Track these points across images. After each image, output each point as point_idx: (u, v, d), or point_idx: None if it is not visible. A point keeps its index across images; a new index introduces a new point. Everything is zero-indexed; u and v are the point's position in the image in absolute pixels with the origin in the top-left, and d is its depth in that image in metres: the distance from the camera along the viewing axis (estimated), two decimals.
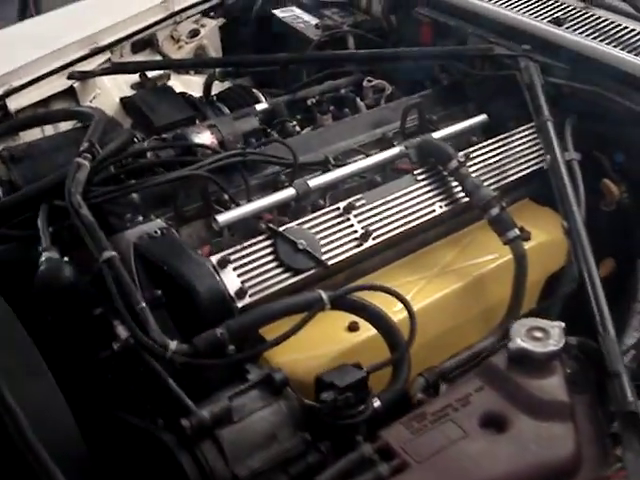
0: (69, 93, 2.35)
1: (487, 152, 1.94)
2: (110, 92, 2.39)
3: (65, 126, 2.22)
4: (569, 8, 2.21)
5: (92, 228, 1.55)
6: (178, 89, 2.43)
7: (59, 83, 2.31)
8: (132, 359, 1.46)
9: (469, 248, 1.88)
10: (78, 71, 2.32)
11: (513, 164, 1.95)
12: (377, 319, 1.57)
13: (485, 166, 1.92)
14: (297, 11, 2.63)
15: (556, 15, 2.17)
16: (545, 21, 2.15)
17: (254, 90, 2.34)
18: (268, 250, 1.63)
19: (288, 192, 1.77)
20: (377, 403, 1.48)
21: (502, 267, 1.83)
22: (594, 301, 1.53)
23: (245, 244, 1.63)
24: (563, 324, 1.48)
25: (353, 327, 1.65)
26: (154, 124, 2.16)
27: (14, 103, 2.24)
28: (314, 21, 2.55)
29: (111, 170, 1.82)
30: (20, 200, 1.74)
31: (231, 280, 1.57)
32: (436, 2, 2.31)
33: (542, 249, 1.88)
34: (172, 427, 1.38)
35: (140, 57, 2.52)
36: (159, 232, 1.60)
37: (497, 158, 1.94)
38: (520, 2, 2.26)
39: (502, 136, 1.99)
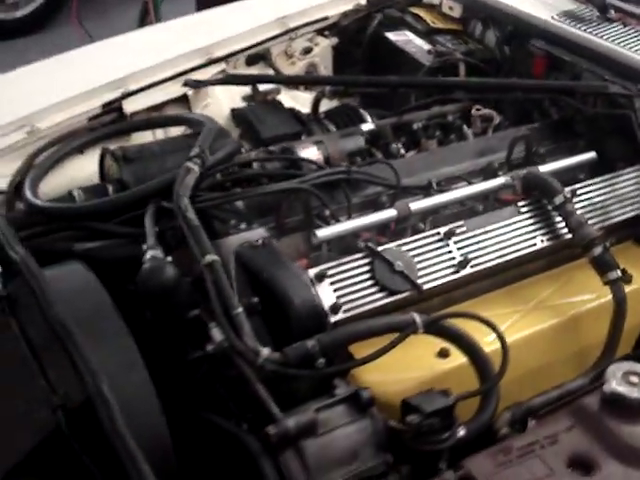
0: (182, 100, 2.41)
1: (593, 190, 1.91)
2: (221, 102, 2.44)
3: (175, 132, 2.29)
4: None
5: (197, 231, 1.59)
6: (286, 104, 2.47)
7: (173, 90, 2.38)
8: (223, 362, 1.49)
9: (567, 286, 1.85)
10: (193, 79, 2.39)
11: (618, 205, 1.91)
12: (470, 348, 1.56)
13: (590, 204, 1.89)
14: (410, 35, 2.64)
15: None
16: None
17: (361, 110, 2.36)
18: (365, 269, 1.64)
19: (389, 213, 1.78)
20: (462, 432, 1.46)
21: (600, 308, 1.79)
22: None
23: (342, 260, 1.64)
24: None
25: (444, 353, 1.63)
26: (261, 136, 2.20)
27: (130, 106, 2.32)
28: (426, 47, 2.56)
29: (217, 177, 1.88)
30: (130, 199, 1.80)
31: (326, 294, 1.59)
32: (552, 36, 2.29)
33: None
34: (257, 433, 1.40)
35: (253, 70, 2.57)
36: (260, 242, 1.62)
37: (603, 197, 1.91)
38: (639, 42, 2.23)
39: (609, 175, 1.95)
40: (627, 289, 1.80)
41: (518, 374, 1.72)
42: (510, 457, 1.35)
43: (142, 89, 2.35)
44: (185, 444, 1.48)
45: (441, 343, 1.62)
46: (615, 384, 1.41)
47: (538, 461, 1.34)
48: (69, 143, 2.15)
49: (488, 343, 1.62)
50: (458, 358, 1.61)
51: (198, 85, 2.39)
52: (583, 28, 2.30)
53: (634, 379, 1.42)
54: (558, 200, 1.80)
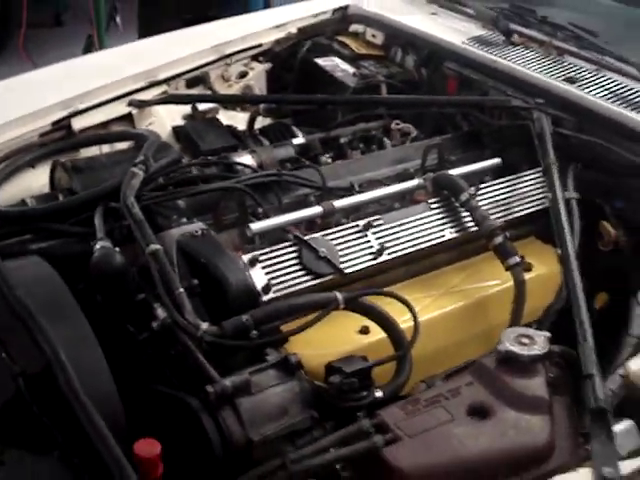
0: (127, 119, 2.60)
1: (496, 189, 2.16)
2: (164, 121, 2.63)
3: (120, 147, 2.48)
4: (582, 69, 2.44)
5: (142, 225, 1.79)
6: (224, 122, 2.68)
7: (119, 109, 2.57)
8: (167, 337, 1.68)
9: (474, 275, 2.07)
10: (137, 99, 2.58)
11: (519, 202, 2.16)
12: (384, 321, 1.78)
13: (494, 202, 2.13)
14: (337, 61, 2.88)
15: (570, 75, 2.40)
16: (560, 79, 2.38)
17: (293, 127, 2.58)
18: (293, 255, 1.86)
19: (315, 209, 1.99)
20: (379, 393, 1.67)
21: (503, 292, 2.01)
22: (577, 314, 1.72)
23: (273, 247, 1.85)
24: (548, 334, 1.67)
25: (364, 330, 1.84)
26: (200, 149, 2.40)
27: (78, 123, 2.50)
28: (352, 70, 2.80)
29: (160, 181, 2.08)
30: (81, 201, 1.99)
31: (259, 277, 1.79)
32: (463, 58, 2.56)
33: (541, 281, 2.07)
34: (197, 394, 1.58)
35: (193, 92, 2.78)
36: (200, 232, 1.83)
37: (505, 196, 2.16)
38: (538, 62, 2.50)
39: (511, 177, 2.20)
40: (529, 276, 2.03)
41: (431, 350, 1.94)
42: (418, 407, 1.57)
43: (90, 108, 2.53)
44: (134, 411, 1.65)
45: (361, 322, 1.83)
46: (509, 344, 1.64)
47: (442, 410, 1.56)
48: (21, 157, 2.33)
49: (403, 321, 1.83)
50: (377, 334, 1.82)
51: (142, 105, 2.58)
52: (490, 51, 2.58)
53: (525, 340, 1.65)
54: (464, 197, 2.03)
